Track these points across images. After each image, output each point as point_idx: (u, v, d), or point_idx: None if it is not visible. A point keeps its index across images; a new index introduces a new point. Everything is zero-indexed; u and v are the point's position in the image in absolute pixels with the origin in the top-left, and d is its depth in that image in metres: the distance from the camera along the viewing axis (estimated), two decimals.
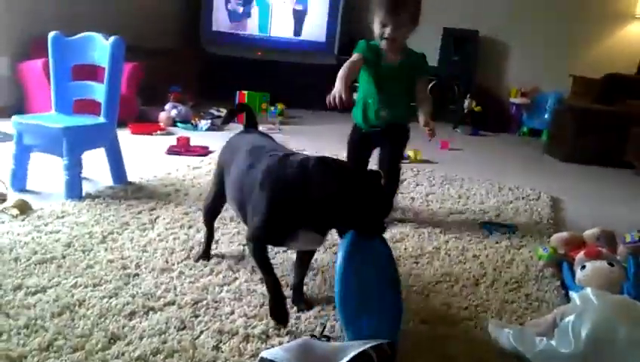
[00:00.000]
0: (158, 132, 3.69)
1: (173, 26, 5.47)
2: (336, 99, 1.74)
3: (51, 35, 2.28)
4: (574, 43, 5.25)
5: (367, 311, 1.20)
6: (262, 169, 1.35)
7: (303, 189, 1.25)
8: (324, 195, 1.22)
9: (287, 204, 1.27)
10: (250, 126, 1.72)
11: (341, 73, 1.86)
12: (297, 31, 5.44)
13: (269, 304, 1.35)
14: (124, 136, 3.31)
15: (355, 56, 1.97)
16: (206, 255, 1.70)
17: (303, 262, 1.50)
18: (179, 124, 3.98)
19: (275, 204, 1.29)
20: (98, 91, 2.27)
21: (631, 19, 5.02)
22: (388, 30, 1.91)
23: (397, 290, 1.27)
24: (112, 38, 2.19)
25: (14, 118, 2.22)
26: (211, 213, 1.70)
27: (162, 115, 3.97)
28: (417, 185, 2.86)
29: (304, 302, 1.47)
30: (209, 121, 4.03)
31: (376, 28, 1.95)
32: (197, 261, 1.66)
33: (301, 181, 1.26)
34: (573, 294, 1.43)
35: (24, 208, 1.93)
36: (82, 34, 2.28)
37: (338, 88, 1.77)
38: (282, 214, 1.29)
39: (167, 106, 4.09)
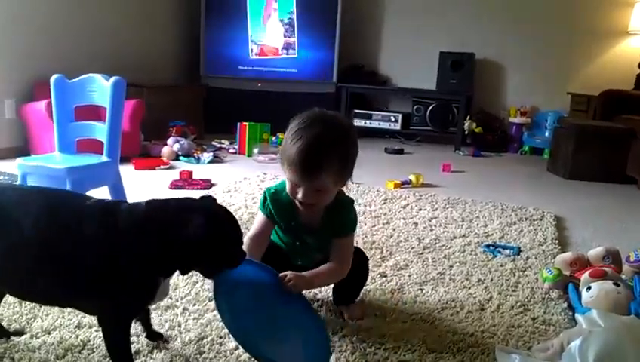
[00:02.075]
0: (161, 166, 3.73)
1: (174, 61, 5.57)
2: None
3: (53, 78, 2.32)
4: (570, 61, 5.31)
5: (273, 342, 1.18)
6: (94, 230, 1.11)
7: (162, 239, 1.11)
8: (186, 238, 1.10)
9: (151, 261, 1.12)
10: None
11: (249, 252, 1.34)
12: (296, 62, 5.52)
13: None
14: (128, 172, 3.35)
15: (260, 221, 1.46)
16: None
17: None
18: (181, 158, 4.02)
19: (139, 265, 1.11)
20: (100, 131, 2.31)
21: (624, 36, 5.08)
22: (299, 195, 1.34)
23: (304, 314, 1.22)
24: (112, 79, 2.23)
25: (19, 160, 2.26)
26: None
27: (165, 150, 4.02)
28: (420, 209, 2.86)
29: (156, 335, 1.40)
30: (211, 154, 4.07)
31: (287, 184, 1.37)
32: None
33: (158, 230, 1.11)
34: (578, 316, 1.42)
35: None
36: (83, 76, 2.33)
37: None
38: (148, 274, 1.13)
39: (170, 141, 4.13)
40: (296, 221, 1.45)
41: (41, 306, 1.50)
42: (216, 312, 1.56)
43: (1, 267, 1.15)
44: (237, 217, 1.22)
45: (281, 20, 5.49)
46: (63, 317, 1.48)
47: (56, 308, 1.52)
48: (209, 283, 1.73)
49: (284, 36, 5.51)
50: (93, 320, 1.47)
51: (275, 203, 1.43)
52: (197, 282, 1.75)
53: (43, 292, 1.19)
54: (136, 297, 1.16)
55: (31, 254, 1.12)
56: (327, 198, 1.38)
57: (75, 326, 1.43)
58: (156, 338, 1.40)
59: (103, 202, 1.19)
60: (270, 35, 5.52)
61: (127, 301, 1.15)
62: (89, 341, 1.37)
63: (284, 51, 5.54)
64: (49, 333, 1.39)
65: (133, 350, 1.33)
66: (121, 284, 1.11)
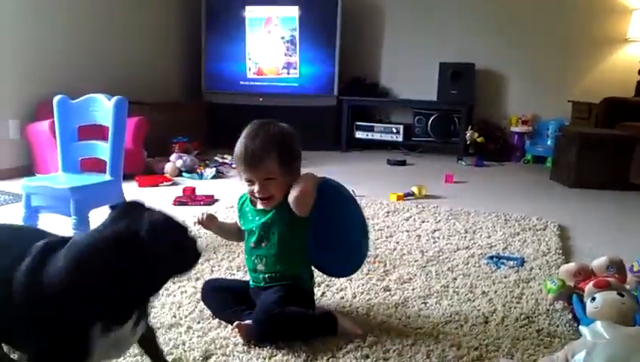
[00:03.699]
0: (165, 183, 3.75)
1: (176, 78, 5.62)
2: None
3: (56, 99, 2.35)
4: (570, 69, 5.32)
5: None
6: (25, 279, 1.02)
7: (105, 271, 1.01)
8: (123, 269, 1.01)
9: (86, 305, 1.01)
10: None
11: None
12: (297, 77, 5.55)
13: None
14: (131, 189, 3.37)
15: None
16: None
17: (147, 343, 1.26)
18: (184, 174, 4.04)
19: (68, 317, 1.00)
20: (103, 150, 2.33)
21: (623, 43, 5.10)
22: (255, 188, 1.52)
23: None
24: (114, 99, 2.25)
25: (23, 181, 2.28)
26: None
27: (168, 166, 4.04)
28: (423, 221, 2.86)
29: None
30: (214, 169, 4.09)
31: (246, 188, 1.59)
32: None
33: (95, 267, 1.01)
34: (583, 328, 1.41)
35: None
36: (86, 96, 2.36)
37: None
38: (78, 326, 1.00)
39: (173, 157, 4.16)
40: (256, 211, 1.62)
41: None
42: (219, 330, 1.56)
43: None
44: None
45: (282, 38, 5.53)
46: None
47: None
48: None
49: (285, 55, 5.55)
50: None
51: (242, 201, 1.68)
52: (200, 300, 1.76)
53: None
54: (66, 352, 1.01)
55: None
56: (280, 190, 1.54)
57: None
58: None
59: (48, 245, 1.08)
60: (270, 53, 5.56)
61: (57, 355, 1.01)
62: None
63: (285, 71, 5.57)
64: None
65: None
66: (49, 337, 1.00)
